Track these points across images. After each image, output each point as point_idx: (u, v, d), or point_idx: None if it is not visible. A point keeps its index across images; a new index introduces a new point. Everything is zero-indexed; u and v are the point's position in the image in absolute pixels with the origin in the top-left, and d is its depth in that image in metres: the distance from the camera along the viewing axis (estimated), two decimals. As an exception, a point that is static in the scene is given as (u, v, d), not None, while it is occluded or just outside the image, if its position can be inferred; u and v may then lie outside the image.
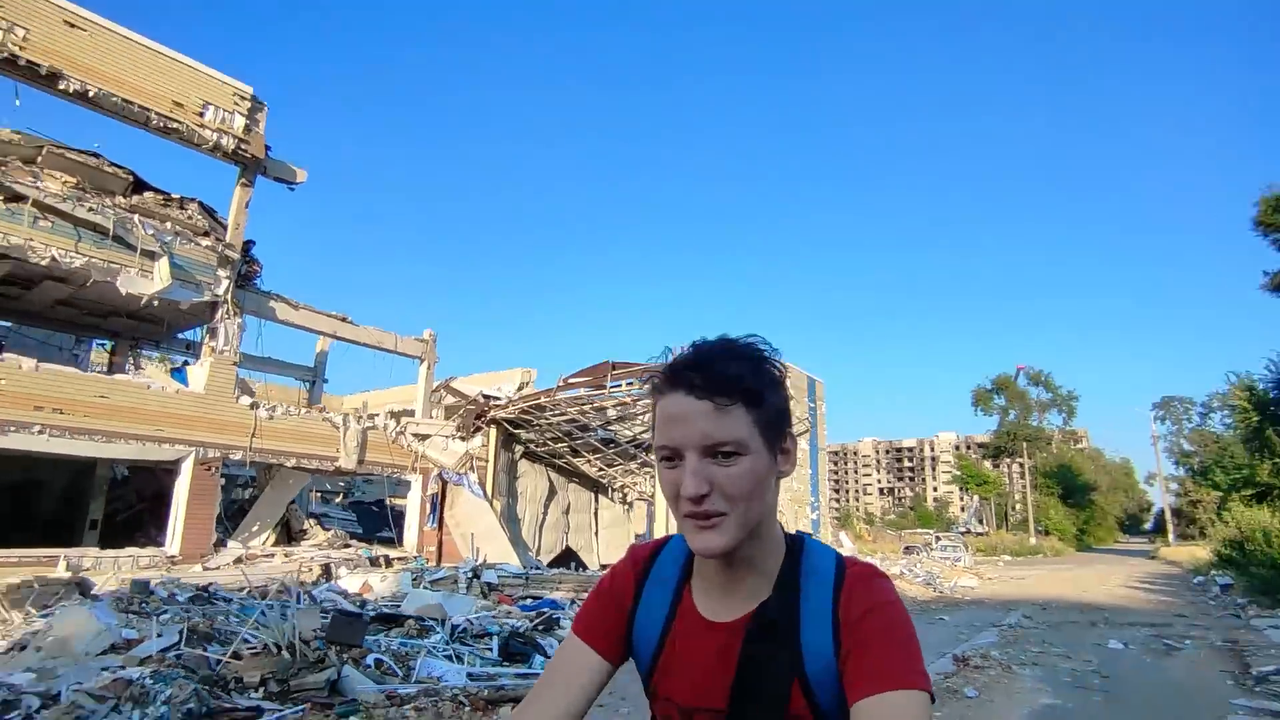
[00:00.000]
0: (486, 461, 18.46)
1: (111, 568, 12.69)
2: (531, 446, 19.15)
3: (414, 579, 12.41)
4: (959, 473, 74.51)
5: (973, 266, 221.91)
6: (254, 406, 15.48)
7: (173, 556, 13.92)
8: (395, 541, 19.07)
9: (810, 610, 0.97)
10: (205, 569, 13.63)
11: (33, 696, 4.05)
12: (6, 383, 12.09)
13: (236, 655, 5.36)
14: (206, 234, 15.12)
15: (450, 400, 20.36)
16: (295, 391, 23.75)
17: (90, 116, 13.88)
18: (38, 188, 12.62)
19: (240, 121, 15.45)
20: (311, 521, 18.17)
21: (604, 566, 19.14)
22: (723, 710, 0.99)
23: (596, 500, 21.44)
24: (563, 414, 17.73)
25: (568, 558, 20.07)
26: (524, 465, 19.34)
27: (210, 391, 14.76)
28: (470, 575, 12.41)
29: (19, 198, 12.34)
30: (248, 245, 15.95)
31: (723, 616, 1.01)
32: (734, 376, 0.93)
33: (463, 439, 18.26)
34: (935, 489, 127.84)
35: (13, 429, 12.08)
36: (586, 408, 17.27)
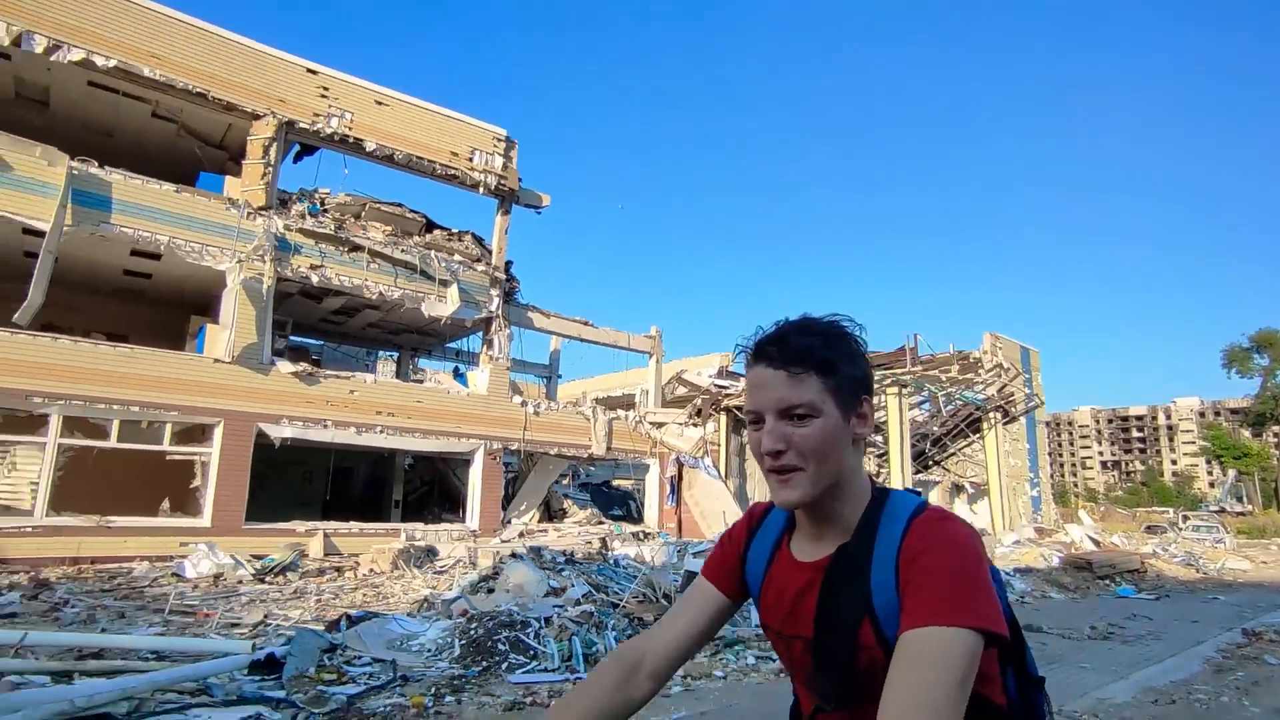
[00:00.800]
0: (719, 445, 20.07)
1: (434, 538, 15.74)
2: (756, 430, 20.51)
3: (678, 551, 14.18)
4: (1208, 444, 65.85)
5: (1215, 209, 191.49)
6: (524, 404, 18.18)
7: (474, 530, 16.86)
8: (629, 518, 21.29)
9: (880, 553, 1.05)
10: (502, 541, 16.40)
11: (532, 619, 5.93)
12: (359, 394, 15.43)
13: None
14: (479, 260, 17.94)
15: (681, 390, 22.19)
16: (535, 387, 26.95)
17: (384, 171, 17.07)
18: (368, 238, 15.85)
19: (499, 161, 18.10)
20: (568, 502, 20.82)
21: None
22: (809, 638, 1.10)
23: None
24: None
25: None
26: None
27: (491, 393, 17.59)
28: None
29: (357, 247, 15.61)
30: (508, 266, 18.66)
31: (809, 558, 1.14)
32: (805, 348, 1.07)
33: (695, 425, 19.98)
34: (1174, 462, 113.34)
35: (366, 429, 15.40)
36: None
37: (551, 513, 20.69)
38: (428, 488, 21.49)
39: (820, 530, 1.13)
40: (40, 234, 12.32)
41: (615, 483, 25.87)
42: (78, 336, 13.23)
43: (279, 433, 14.33)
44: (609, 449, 19.41)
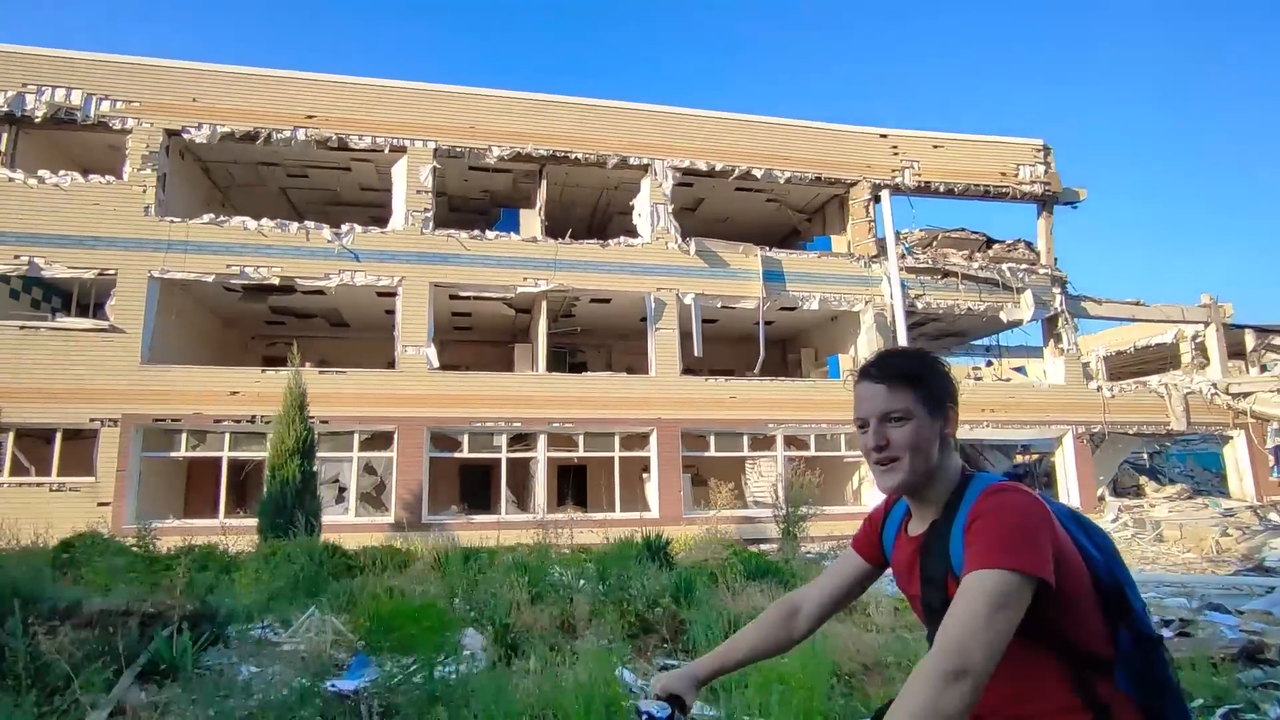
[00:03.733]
0: (1330, 412, 18.67)
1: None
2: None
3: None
4: None
5: None
6: (1098, 389, 19.28)
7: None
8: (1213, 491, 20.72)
9: (957, 525, 1.31)
10: (1112, 520, 17.75)
11: None
12: (977, 396, 18.26)
13: None
14: (1033, 263, 19.60)
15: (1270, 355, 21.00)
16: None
17: (932, 200, 19.68)
18: (954, 264, 18.67)
19: (1040, 169, 19.56)
20: (1142, 478, 21.22)
21: None
22: (918, 594, 1.40)
23: None
24: None
25: None
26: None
27: (1069, 382, 19.07)
28: None
29: (949, 274, 18.51)
30: (1054, 263, 19.96)
31: (915, 532, 1.44)
32: (899, 366, 1.40)
33: (1295, 393, 18.89)
34: None
35: (976, 425, 18.13)
36: None
37: (1118, 489, 21.32)
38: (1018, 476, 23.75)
39: (921, 510, 1.43)
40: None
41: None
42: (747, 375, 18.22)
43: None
44: (1189, 423, 19.41)
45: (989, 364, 24.05)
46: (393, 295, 16.96)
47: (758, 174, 18.28)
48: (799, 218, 21.16)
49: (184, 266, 15.21)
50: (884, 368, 1.40)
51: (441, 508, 16.01)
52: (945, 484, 1.38)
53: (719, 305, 17.67)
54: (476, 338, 21.41)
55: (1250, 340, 21.93)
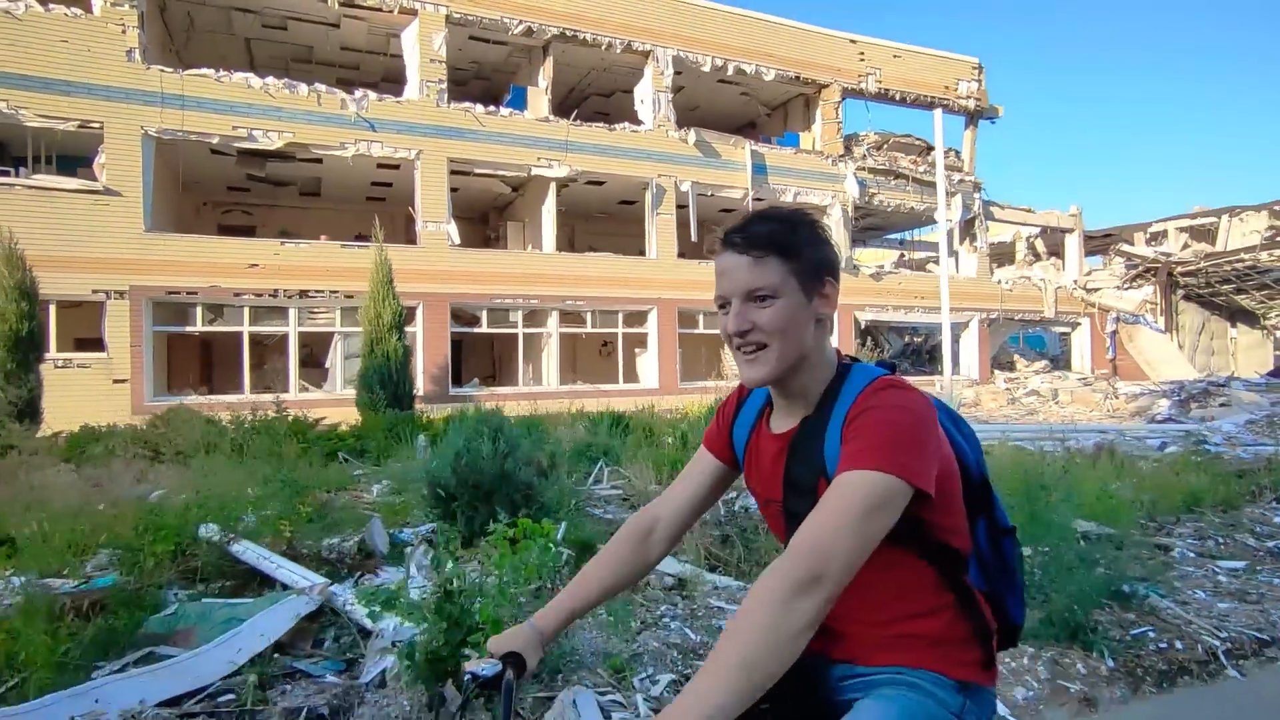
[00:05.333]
0: (1155, 304, 23.86)
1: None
2: (1193, 289, 23.85)
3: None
4: None
5: None
6: (999, 282, 23.16)
7: (974, 379, 22.61)
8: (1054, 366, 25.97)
9: (833, 421, 1.16)
10: (1004, 385, 21.99)
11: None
12: (905, 284, 21.26)
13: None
14: (958, 169, 22.58)
15: (1118, 260, 25.81)
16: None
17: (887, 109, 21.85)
18: (905, 168, 21.07)
19: (975, 85, 22.17)
20: (1015, 356, 25.95)
21: (1246, 381, 23.47)
22: (779, 500, 1.24)
23: (1234, 326, 25.38)
24: (1242, 264, 21.96)
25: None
26: (1182, 305, 24.24)
27: (979, 275, 22.71)
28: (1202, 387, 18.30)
29: (899, 175, 20.94)
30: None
31: (780, 429, 1.27)
32: (767, 234, 1.17)
33: (1135, 288, 23.83)
34: None
35: (909, 310, 21.29)
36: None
37: (1000, 364, 26.01)
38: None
39: (789, 404, 1.25)
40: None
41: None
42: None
43: (863, 316, 20.69)
44: (1057, 313, 23.99)
45: (901, 256, 27.50)
46: (394, 168, 16.65)
47: (747, 69, 19.26)
48: (763, 111, 22.49)
49: (182, 124, 13.98)
50: (750, 236, 1.19)
51: (464, 381, 16.74)
52: (820, 374, 1.22)
53: (709, 194, 18.98)
54: (458, 214, 21.19)
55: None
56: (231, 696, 2.72)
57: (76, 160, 14.45)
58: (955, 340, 23.57)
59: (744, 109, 22.48)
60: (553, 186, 17.36)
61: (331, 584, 3.59)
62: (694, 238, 18.26)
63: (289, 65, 18.33)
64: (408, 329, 15.96)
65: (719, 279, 1.21)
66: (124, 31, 13.65)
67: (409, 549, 4.73)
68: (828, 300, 1.21)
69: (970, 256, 22.90)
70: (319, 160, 16.03)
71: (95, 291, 13.33)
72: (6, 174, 13.41)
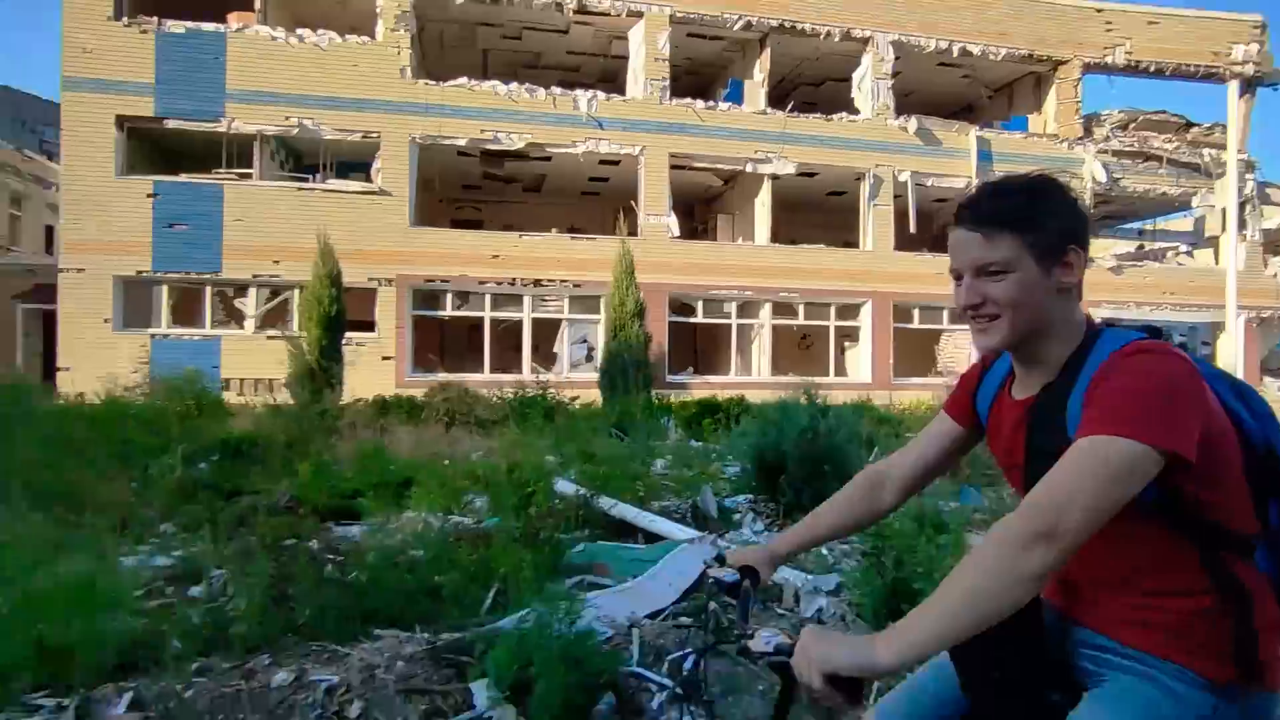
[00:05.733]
0: None
1: None
2: None
3: None
4: None
5: None
6: (1274, 276, 20.03)
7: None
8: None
9: (1077, 388, 1.13)
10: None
11: None
12: (1127, 275, 19.00)
13: None
14: (1224, 148, 19.73)
15: None
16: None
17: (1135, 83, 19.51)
18: (1158, 149, 18.84)
19: (1255, 47, 19.26)
20: None
21: None
22: (1021, 465, 1.23)
23: None
24: None
25: None
26: None
27: (1249, 268, 19.76)
28: None
29: (1151, 158, 18.76)
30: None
31: (1021, 395, 1.26)
32: (997, 210, 1.17)
33: None
34: None
35: (1155, 307, 19.01)
36: None
37: (1267, 370, 22.55)
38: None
39: (1028, 371, 1.25)
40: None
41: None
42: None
43: (1098, 314, 18.75)
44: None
45: (1140, 246, 24.59)
46: (613, 164, 17.48)
47: (974, 50, 18.11)
48: (985, 94, 21.03)
49: (440, 130, 15.63)
50: (980, 211, 1.19)
51: (678, 369, 17.30)
52: (1064, 341, 1.20)
53: (929, 183, 18.10)
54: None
55: None
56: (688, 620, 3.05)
57: (350, 166, 16.68)
58: (1206, 343, 20.77)
59: (964, 92, 21.14)
60: (768, 179, 17.40)
61: (714, 537, 3.90)
62: (913, 229, 17.53)
63: (518, 71, 19.83)
64: (627, 318, 16.84)
65: (951, 253, 1.23)
66: (399, 52, 15.51)
67: (736, 515, 5.02)
68: (1070, 269, 1.18)
69: (1239, 246, 19.96)
70: (548, 158, 17.24)
71: (370, 279, 15.26)
72: (306, 179, 15.78)
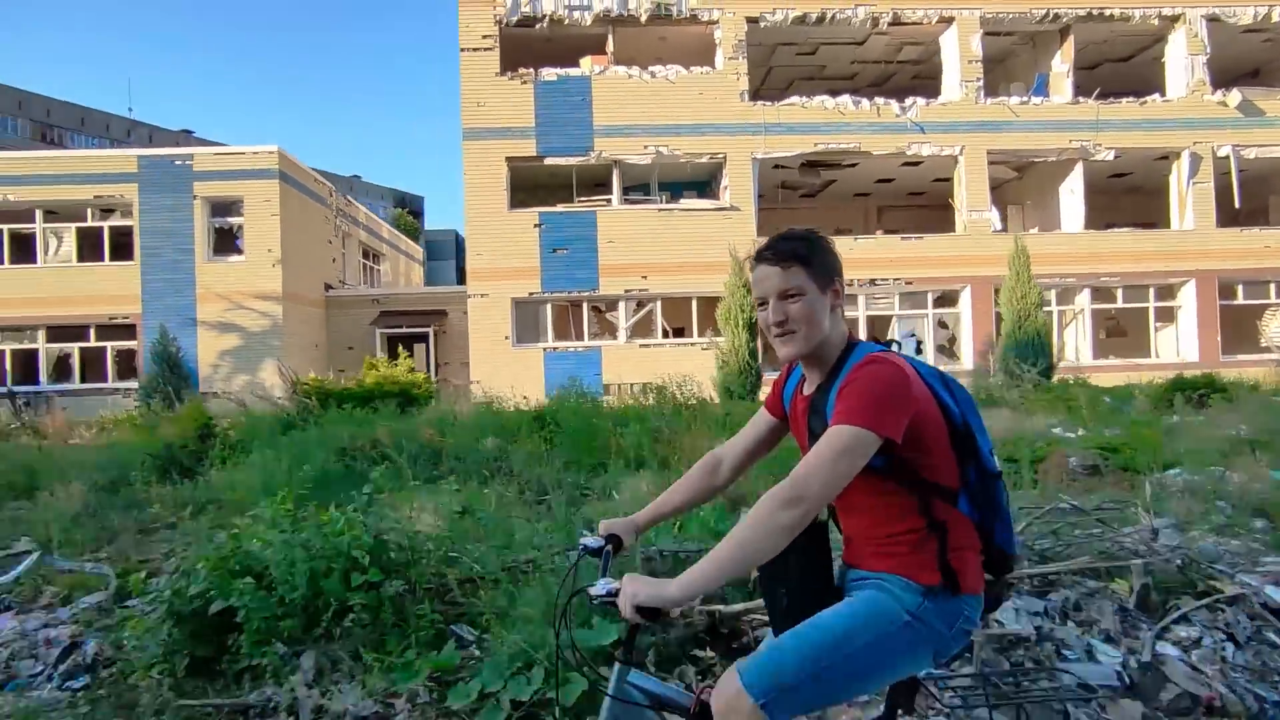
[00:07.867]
0: None
1: None
2: None
3: None
4: None
5: None
6: None
7: None
8: None
9: (834, 387, 1.51)
10: None
11: None
12: None
13: None
14: None
15: None
16: None
17: None
18: None
19: None
20: None
21: None
22: (805, 447, 1.59)
23: None
24: None
25: None
26: None
27: None
28: None
29: None
30: None
31: (807, 392, 1.64)
32: (791, 249, 1.56)
33: None
34: None
35: None
36: None
37: None
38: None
39: (812, 374, 1.63)
40: None
41: None
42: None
43: None
44: None
45: None
46: (915, 165, 18.27)
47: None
48: (1285, 56, 20.25)
49: (777, 146, 16.99)
50: (777, 251, 1.56)
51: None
52: (833, 350, 1.58)
53: (1252, 155, 17.80)
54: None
55: None
56: None
57: (666, 186, 18.36)
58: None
59: (1257, 55, 20.42)
60: (1080, 165, 17.70)
61: None
62: (1237, 203, 17.35)
63: (794, 83, 20.95)
64: (950, 310, 17.65)
65: (757, 285, 1.58)
66: (738, 78, 16.99)
67: None
68: (837, 295, 1.58)
69: None
70: (854, 165, 18.27)
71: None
72: (654, 201, 17.56)
